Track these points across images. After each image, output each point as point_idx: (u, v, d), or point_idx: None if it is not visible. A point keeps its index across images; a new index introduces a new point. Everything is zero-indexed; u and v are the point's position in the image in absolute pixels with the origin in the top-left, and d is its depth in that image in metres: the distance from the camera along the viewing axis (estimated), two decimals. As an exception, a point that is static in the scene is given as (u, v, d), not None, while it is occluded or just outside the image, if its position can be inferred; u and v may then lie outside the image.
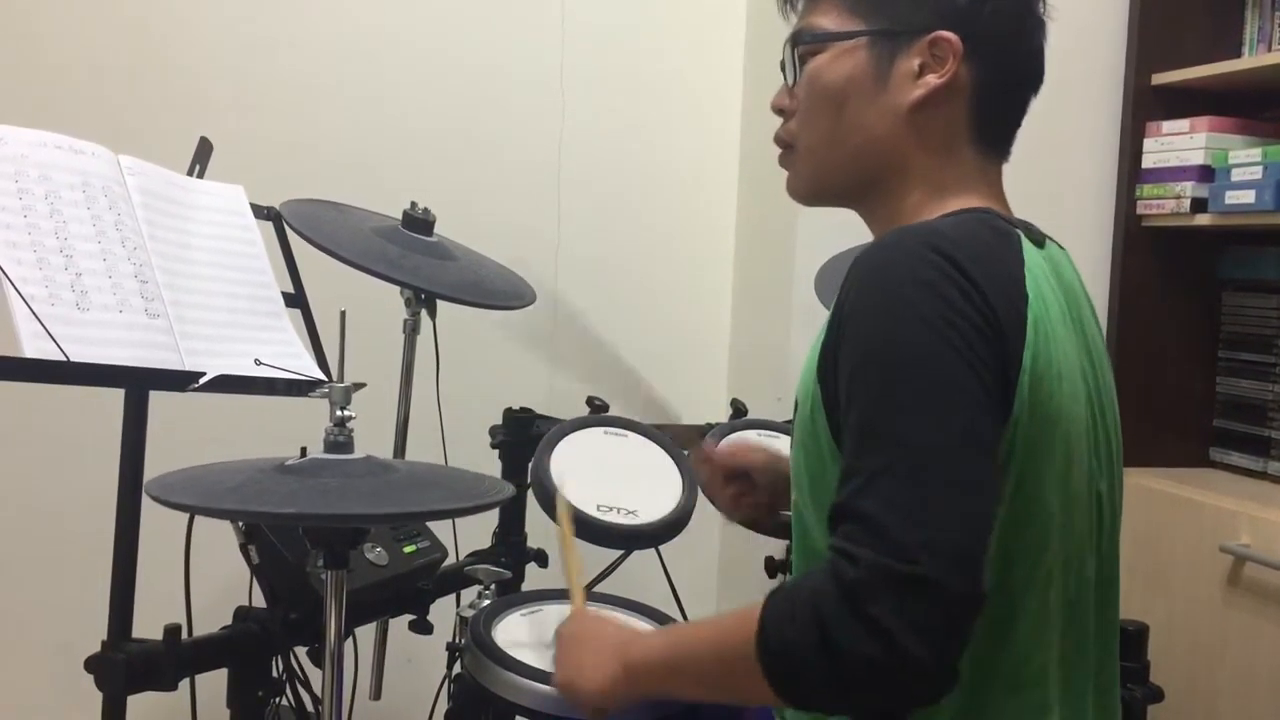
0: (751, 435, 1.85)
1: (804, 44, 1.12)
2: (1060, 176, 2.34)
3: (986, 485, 0.90)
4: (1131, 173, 2.34)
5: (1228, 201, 2.13)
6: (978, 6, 1.06)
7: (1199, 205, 2.20)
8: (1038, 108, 1.13)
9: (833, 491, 0.94)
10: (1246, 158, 2.11)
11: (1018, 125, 1.13)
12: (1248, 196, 2.08)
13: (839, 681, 0.86)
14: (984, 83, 1.07)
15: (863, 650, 0.84)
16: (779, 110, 1.16)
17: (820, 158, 1.12)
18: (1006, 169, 1.15)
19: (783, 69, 1.15)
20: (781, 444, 1.77)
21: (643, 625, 1.47)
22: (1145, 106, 2.33)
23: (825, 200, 1.17)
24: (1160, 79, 2.31)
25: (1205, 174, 2.20)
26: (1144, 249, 2.34)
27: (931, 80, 1.06)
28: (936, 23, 1.06)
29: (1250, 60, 2.22)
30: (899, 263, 0.95)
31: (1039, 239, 1.08)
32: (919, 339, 0.91)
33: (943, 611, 0.85)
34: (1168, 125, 2.29)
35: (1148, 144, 2.32)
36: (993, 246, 0.99)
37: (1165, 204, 2.26)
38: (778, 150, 1.18)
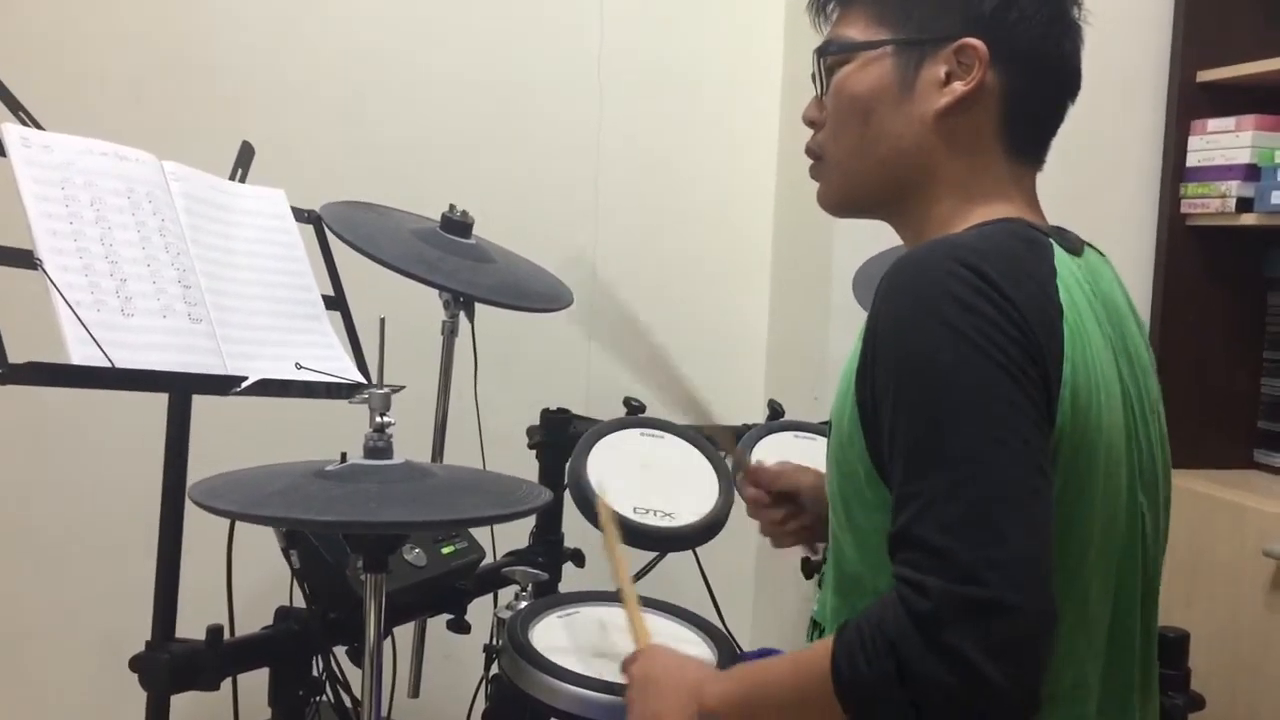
0: (788, 437, 1.85)
1: (831, 54, 1.11)
2: (1104, 174, 2.31)
3: (1043, 497, 0.88)
4: (1176, 171, 2.31)
5: (1274, 201, 2.10)
6: (1003, 12, 1.04)
7: (1244, 204, 2.16)
8: (1081, 106, 1.11)
9: (872, 514, 0.93)
10: (1293, 156, 2.08)
11: (1053, 132, 1.11)
12: (1295, 196, 2.05)
13: (917, 712, 0.85)
14: (1014, 89, 1.06)
15: (941, 680, 0.83)
16: (810, 122, 1.16)
17: (849, 168, 1.12)
18: (1049, 166, 1.14)
19: (813, 81, 1.15)
20: (819, 446, 1.77)
21: (684, 632, 1.48)
22: (1190, 104, 2.29)
23: (856, 211, 1.16)
24: (1206, 76, 2.27)
25: (1251, 173, 2.16)
26: (1188, 248, 2.31)
27: (958, 88, 1.05)
28: (962, 30, 1.04)
29: (1298, 57, 2.18)
30: (928, 281, 0.93)
31: (1075, 246, 1.06)
32: (957, 354, 0.90)
33: (1019, 632, 0.84)
34: (1213, 123, 2.25)
35: (1192, 142, 2.29)
36: (1023, 258, 0.97)
37: (1210, 203, 2.23)
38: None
